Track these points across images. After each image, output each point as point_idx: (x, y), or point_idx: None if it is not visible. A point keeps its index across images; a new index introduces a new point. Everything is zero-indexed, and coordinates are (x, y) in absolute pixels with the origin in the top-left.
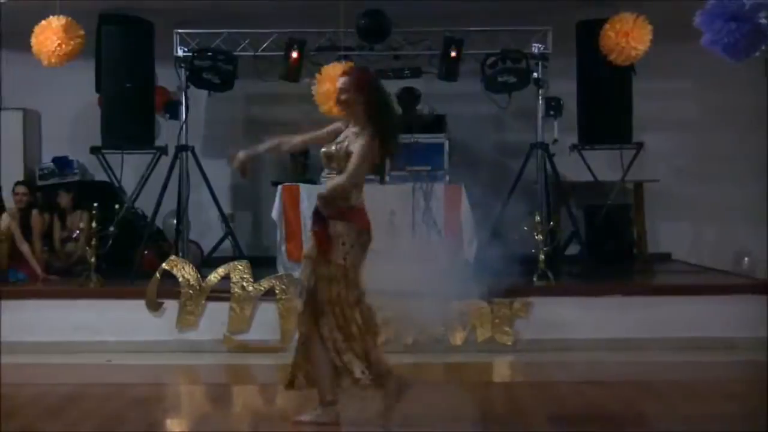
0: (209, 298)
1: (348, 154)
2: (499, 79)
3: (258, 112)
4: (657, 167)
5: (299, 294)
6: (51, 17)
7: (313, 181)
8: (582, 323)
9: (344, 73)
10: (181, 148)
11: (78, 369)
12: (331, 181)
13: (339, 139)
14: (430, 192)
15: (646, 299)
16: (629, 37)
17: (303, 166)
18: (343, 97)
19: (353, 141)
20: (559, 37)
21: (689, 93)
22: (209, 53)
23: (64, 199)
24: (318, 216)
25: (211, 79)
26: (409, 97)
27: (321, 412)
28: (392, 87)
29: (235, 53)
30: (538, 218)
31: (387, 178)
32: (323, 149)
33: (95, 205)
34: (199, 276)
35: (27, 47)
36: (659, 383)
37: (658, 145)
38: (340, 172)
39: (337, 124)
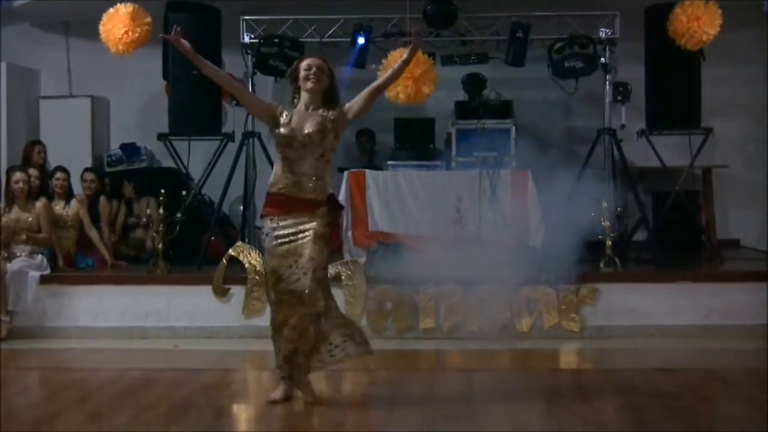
0: None
1: (322, 133)
2: (567, 64)
3: None
4: (726, 153)
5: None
6: (118, 5)
7: (380, 168)
8: (649, 310)
9: (317, 58)
10: (248, 135)
11: (146, 354)
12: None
13: (290, 122)
14: (497, 178)
15: (714, 286)
16: (700, 21)
17: (370, 152)
18: (321, 77)
19: (314, 120)
20: (627, 22)
21: (758, 78)
22: (275, 40)
23: (127, 189)
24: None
25: (277, 66)
26: (475, 82)
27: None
28: (459, 72)
29: (302, 40)
30: (605, 204)
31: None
32: (282, 131)
33: (162, 191)
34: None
35: (95, 35)
36: (728, 371)
37: (727, 130)
38: (321, 154)
39: (274, 104)
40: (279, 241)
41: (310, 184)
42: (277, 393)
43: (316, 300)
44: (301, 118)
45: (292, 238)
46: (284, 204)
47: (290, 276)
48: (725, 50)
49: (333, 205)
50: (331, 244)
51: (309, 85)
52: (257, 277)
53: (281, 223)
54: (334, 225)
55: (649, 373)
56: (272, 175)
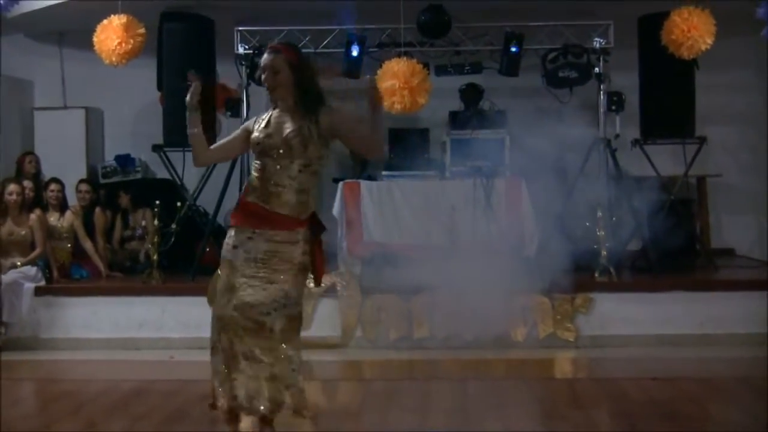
0: None
1: (302, 140)
2: (560, 74)
3: None
4: (720, 161)
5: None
6: (112, 16)
7: (374, 178)
8: (644, 319)
9: (270, 51)
10: None
11: (141, 365)
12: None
13: (268, 126)
14: (491, 187)
15: (709, 295)
16: (699, 30)
17: (364, 162)
18: (275, 78)
19: (293, 124)
20: (620, 32)
21: (751, 86)
22: None
23: (123, 200)
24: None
25: None
26: (472, 92)
27: None
28: (452, 82)
29: None
30: (599, 213)
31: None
32: (258, 136)
33: (157, 202)
34: None
35: (89, 46)
36: (723, 379)
37: (721, 139)
38: (305, 164)
39: (245, 124)
40: (246, 255)
41: (291, 198)
42: None
43: (283, 340)
44: (279, 121)
45: (262, 257)
46: (258, 216)
47: (249, 297)
48: (718, 58)
49: (314, 226)
50: (317, 278)
51: (268, 91)
52: None
53: (251, 236)
54: (316, 252)
55: (644, 382)
56: (248, 182)
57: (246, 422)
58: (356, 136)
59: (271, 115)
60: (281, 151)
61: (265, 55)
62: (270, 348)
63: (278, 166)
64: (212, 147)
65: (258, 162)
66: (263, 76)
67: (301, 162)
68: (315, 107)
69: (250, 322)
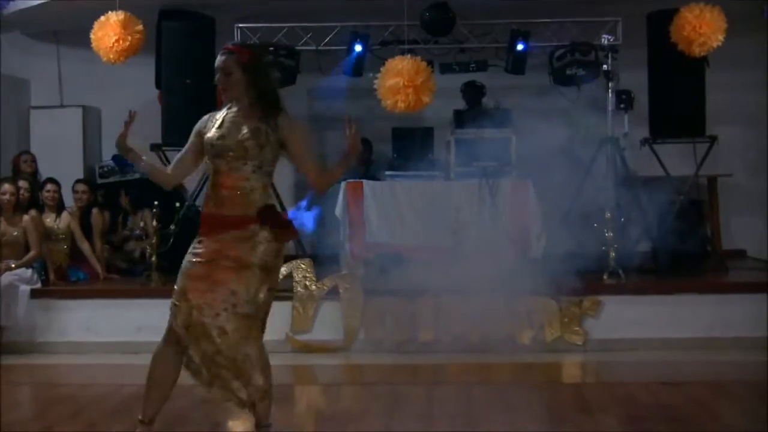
0: None
1: (258, 141)
2: (568, 71)
3: (320, 106)
4: (731, 161)
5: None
6: (110, 13)
7: (377, 178)
8: (653, 322)
9: (223, 52)
10: None
11: (140, 369)
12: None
13: (222, 126)
14: (497, 188)
15: (719, 297)
16: (711, 27)
17: (367, 162)
18: (228, 81)
19: (249, 125)
20: (629, 29)
21: (760, 85)
22: (271, 48)
23: (124, 201)
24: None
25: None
26: (473, 90)
27: None
28: (457, 81)
29: (297, 48)
30: (608, 214)
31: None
32: (211, 136)
33: (156, 203)
34: None
35: (86, 44)
36: (733, 383)
37: (732, 138)
38: (259, 166)
39: (197, 127)
40: (196, 260)
41: (242, 199)
42: None
43: (237, 342)
44: (233, 121)
45: (209, 258)
46: (213, 224)
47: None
48: (726, 57)
49: (267, 219)
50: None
51: (221, 93)
52: None
53: (201, 240)
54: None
55: (653, 386)
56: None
57: (245, 423)
58: (305, 161)
59: (225, 115)
60: (234, 153)
61: (218, 57)
62: (227, 348)
63: (230, 168)
64: (172, 166)
65: (209, 163)
66: (218, 81)
67: (255, 164)
68: (273, 110)
69: (200, 326)
